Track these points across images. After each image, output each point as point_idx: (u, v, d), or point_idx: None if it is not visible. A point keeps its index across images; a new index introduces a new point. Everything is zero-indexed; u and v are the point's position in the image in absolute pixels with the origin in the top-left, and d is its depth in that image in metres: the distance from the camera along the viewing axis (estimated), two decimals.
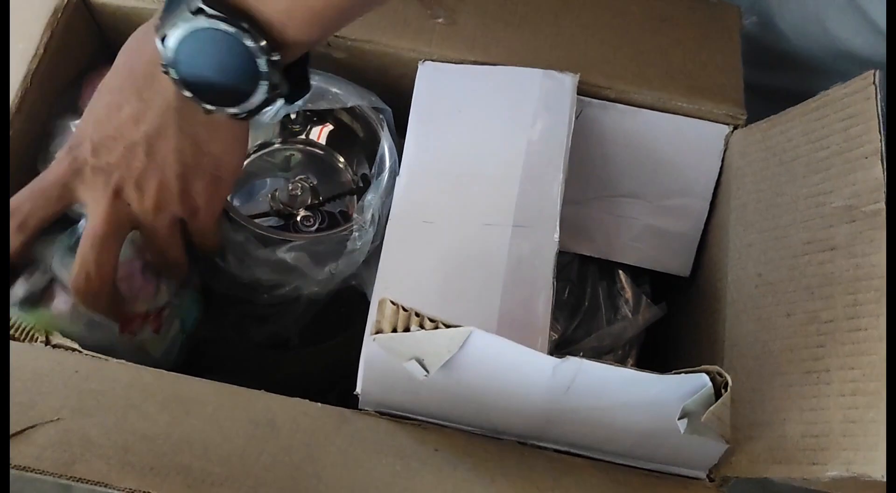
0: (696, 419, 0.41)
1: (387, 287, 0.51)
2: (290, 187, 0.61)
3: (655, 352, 0.64)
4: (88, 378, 0.45)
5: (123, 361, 0.47)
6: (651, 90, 0.59)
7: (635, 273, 0.63)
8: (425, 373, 0.43)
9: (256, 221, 0.58)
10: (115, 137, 0.47)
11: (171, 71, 0.45)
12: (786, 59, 0.72)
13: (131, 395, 0.45)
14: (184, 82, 0.45)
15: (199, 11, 0.43)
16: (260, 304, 0.56)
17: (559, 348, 0.59)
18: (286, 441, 0.45)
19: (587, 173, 0.61)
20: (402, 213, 0.53)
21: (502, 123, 0.56)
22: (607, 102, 0.59)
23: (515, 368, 0.43)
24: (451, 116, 0.57)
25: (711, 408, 0.41)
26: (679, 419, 0.42)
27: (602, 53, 0.60)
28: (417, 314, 0.43)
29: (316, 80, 0.58)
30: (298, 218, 0.60)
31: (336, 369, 0.62)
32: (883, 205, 0.43)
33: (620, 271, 0.62)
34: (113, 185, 0.47)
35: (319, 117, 0.63)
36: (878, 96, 0.45)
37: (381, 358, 0.45)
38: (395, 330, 0.43)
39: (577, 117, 0.58)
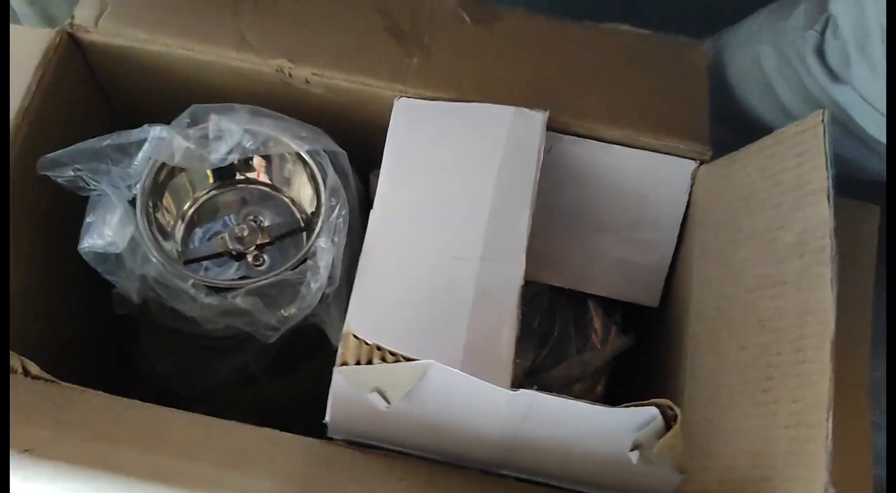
0: (648, 451, 0.43)
1: (358, 318, 0.53)
2: (240, 228, 0.62)
3: (627, 381, 0.65)
4: (63, 409, 0.47)
5: (100, 391, 0.49)
6: (620, 127, 0.61)
7: (608, 304, 0.64)
8: (387, 404, 0.45)
9: (209, 262, 0.60)
10: None
11: None
12: (725, 116, 0.74)
13: (105, 427, 0.47)
14: None
15: None
16: (218, 338, 0.58)
17: (529, 377, 0.60)
18: (255, 472, 0.47)
19: (559, 206, 0.62)
20: (375, 245, 0.55)
21: (474, 159, 0.58)
22: (577, 138, 0.61)
23: (472, 400, 0.44)
24: (424, 151, 0.58)
25: (662, 440, 0.42)
26: (631, 450, 0.43)
27: (573, 91, 0.62)
28: (379, 348, 0.44)
29: (268, 126, 0.59)
30: (249, 258, 0.61)
31: (311, 397, 0.63)
32: (828, 241, 0.44)
33: (591, 302, 0.64)
34: None
35: (267, 157, 0.63)
36: (826, 134, 0.47)
37: (347, 389, 0.46)
38: (358, 362, 0.45)
39: (548, 153, 0.60)
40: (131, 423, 0.47)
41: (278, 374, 0.66)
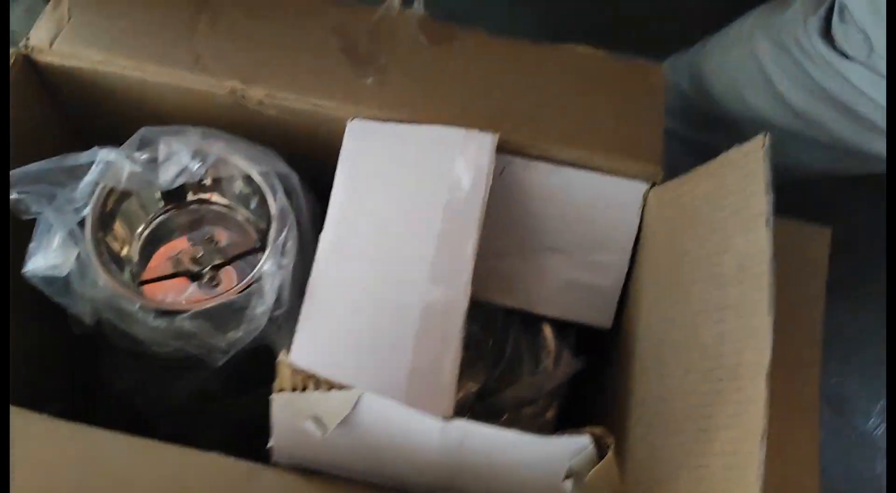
0: (581, 480, 0.42)
1: (305, 342, 0.52)
2: (194, 248, 0.62)
3: (581, 404, 0.65)
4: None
5: (45, 415, 0.49)
6: (573, 148, 0.60)
7: (562, 325, 0.64)
8: (322, 432, 0.45)
9: (165, 282, 0.59)
10: None
11: None
12: (717, 120, 0.74)
13: (45, 451, 0.46)
14: None
15: None
16: (173, 358, 0.57)
17: (480, 399, 0.60)
18: None
19: (511, 228, 0.62)
20: (324, 268, 0.55)
21: (424, 181, 0.57)
22: (530, 160, 0.61)
23: (407, 428, 0.44)
24: (375, 173, 0.58)
25: (595, 469, 0.42)
26: (564, 479, 0.43)
27: (528, 112, 0.62)
28: (311, 376, 0.44)
29: (219, 148, 0.59)
30: (206, 279, 0.61)
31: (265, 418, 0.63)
32: (766, 267, 0.44)
33: (544, 324, 0.63)
34: None
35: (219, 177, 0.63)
36: (767, 158, 0.46)
37: (287, 415, 0.46)
38: (295, 389, 0.45)
39: (500, 174, 0.59)
40: (71, 447, 0.47)
41: (237, 394, 0.66)
